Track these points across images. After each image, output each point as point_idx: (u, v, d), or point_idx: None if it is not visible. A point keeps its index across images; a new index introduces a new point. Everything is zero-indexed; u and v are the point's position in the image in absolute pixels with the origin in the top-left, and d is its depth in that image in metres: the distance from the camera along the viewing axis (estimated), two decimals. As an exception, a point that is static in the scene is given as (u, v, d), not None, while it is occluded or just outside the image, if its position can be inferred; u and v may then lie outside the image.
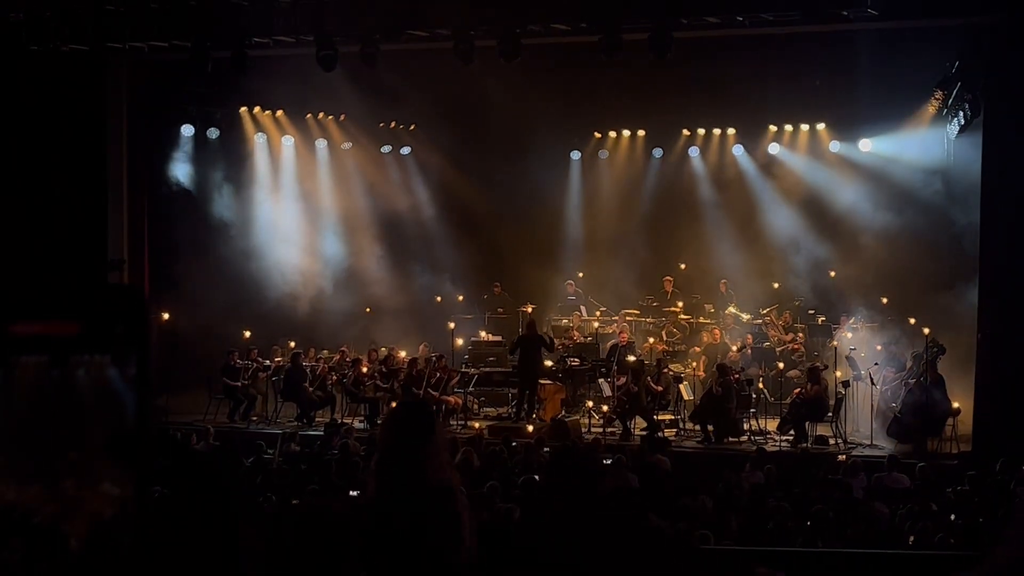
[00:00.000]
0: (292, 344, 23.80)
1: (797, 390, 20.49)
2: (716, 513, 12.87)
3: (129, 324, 2.06)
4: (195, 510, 2.36)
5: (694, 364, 22.84)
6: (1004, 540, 1.80)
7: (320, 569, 3.71)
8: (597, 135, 27.46)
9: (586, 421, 21.52)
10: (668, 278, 25.63)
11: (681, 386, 21.79)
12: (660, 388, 21.17)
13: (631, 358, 21.80)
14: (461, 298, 26.30)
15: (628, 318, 24.37)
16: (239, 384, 22.35)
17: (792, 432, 19.90)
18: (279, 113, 26.34)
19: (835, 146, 25.44)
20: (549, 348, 22.06)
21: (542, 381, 21.92)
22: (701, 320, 24.76)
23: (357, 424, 21.32)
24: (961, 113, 20.83)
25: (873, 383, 20.52)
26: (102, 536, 2.08)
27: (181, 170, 25.00)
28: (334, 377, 22.55)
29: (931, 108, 22.55)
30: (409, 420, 5.19)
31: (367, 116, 26.15)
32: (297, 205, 26.64)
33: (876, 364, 21.07)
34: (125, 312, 2.08)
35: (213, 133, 25.45)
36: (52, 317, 2.07)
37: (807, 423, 19.92)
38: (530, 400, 21.53)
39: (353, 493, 12.92)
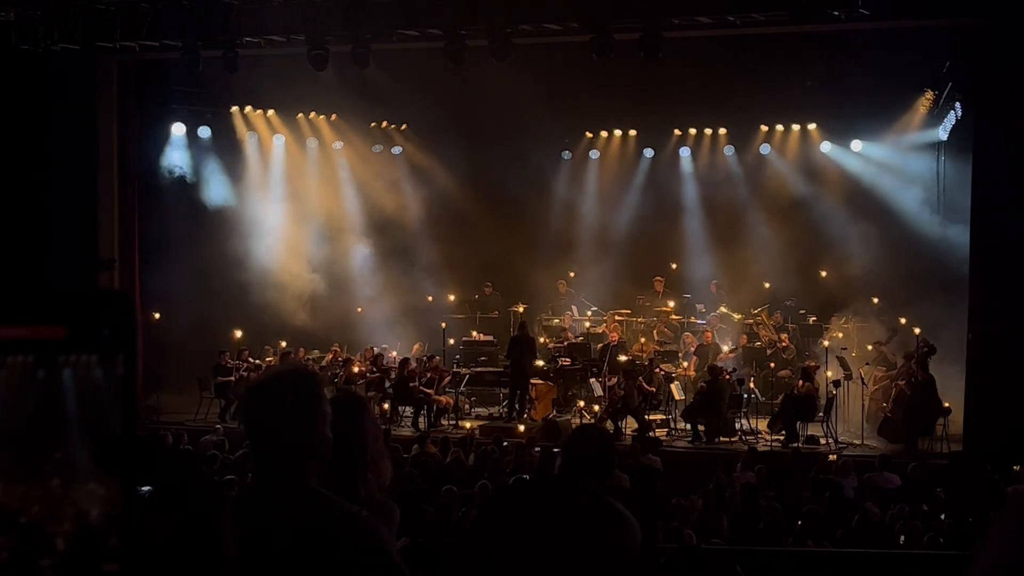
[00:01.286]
0: (283, 344, 23.77)
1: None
2: (707, 513, 12.87)
3: (116, 328, 2.05)
4: (181, 509, 2.35)
5: (685, 364, 22.83)
6: (990, 542, 1.80)
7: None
8: (588, 135, 27.45)
9: (577, 421, 21.49)
10: (659, 278, 25.61)
11: (672, 386, 21.76)
12: (652, 388, 21.16)
13: (622, 358, 21.81)
14: (452, 298, 26.28)
15: (618, 318, 24.37)
16: (230, 383, 22.32)
17: (783, 432, 19.91)
18: (270, 112, 26.30)
19: (826, 146, 25.46)
20: (534, 354, 22.06)
21: (533, 381, 21.91)
22: (692, 320, 24.77)
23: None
24: (952, 113, 20.87)
25: (864, 383, 20.55)
26: (88, 535, 2.07)
27: (172, 170, 24.93)
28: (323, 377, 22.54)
29: (922, 108, 22.58)
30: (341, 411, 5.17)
31: (358, 116, 26.14)
32: (288, 205, 26.58)
33: (867, 364, 21.10)
34: (112, 317, 2.07)
35: (204, 132, 25.41)
36: (39, 321, 2.05)
37: (798, 423, 19.93)
38: (521, 400, 21.52)
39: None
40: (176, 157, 24.92)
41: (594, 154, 27.55)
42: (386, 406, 21.56)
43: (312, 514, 3.40)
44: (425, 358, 22.71)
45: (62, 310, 2.08)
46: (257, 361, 23.01)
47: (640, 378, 20.91)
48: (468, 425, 21.15)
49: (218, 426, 19.92)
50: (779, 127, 25.82)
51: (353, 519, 3.46)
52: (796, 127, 25.67)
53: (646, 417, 20.72)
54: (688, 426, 20.66)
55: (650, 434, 19.95)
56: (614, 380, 21.13)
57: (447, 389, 22.20)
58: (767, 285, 25.10)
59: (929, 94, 21.96)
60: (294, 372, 3.67)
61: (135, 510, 2.06)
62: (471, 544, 5.19)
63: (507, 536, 4.98)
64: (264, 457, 3.50)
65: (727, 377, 20.61)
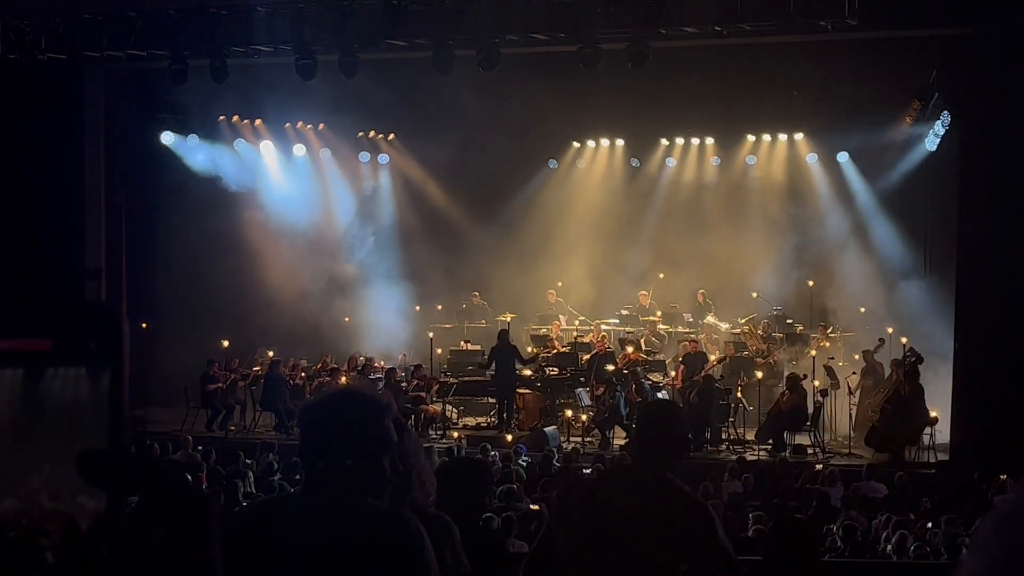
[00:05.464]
0: (271, 353, 23.71)
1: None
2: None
3: (103, 342, 2.04)
4: (171, 522, 2.35)
5: (672, 374, 22.81)
6: (972, 548, 1.81)
7: None
8: (575, 145, 27.45)
9: (564, 433, 21.47)
10: (643, 292, 25.47)
11: (660, 396, 21.73)
12: (639, 398, 21.12)
13: (610, 367, 21.78)
14: (440, 307, 26.26)
15: (605, 327, 24.34)
16: (217, 393, 22.24)
17: (771, 442, 19.93)
18: (258, 122, 26.25)
19: (812, 157, 25.50)
20: (522, 361, 22.02)
21: (520, 391, 21.88)
22: (680, 329, 24.77)
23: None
24: (939, 123, 20.93)
25: (851, 392, 20.57)
26: (78, 549, 2.06)
27: (160, 179, 24.87)
28: (312, 386, 22.46)
29: (909, 118, 22.62)
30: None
31: (346, 125, 26.10)
32: (276, 214, 26.54)
33: (854, 373, 21.12)
34: (99, 330, 2.06)
35: (192, 141, 25.36)
36: (23, 334, 2.04)
37: (786, 432, 19.95)
38: (508, 410, 21.50)
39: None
40: (161, 179, 24.77)
41: (580, 164, 27.55)
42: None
43: (359, 517, 3.47)
44: (412, 367, 22.68)
45: (47, 322, 2.07)
46: (245, 370, 22.98)
47: (634, 384, 20.86)
48: (455, 435, 21.13)
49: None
50: (766, 137, 25.84)
51: (398, 517, 3.53)
52: (783, 137, 25.70)
53: (634, 427, 20.68)
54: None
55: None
56: (601, 390, 21.11)
57: (434, 399, 22.19)
58: (755, 295, 25.11)
59: (916, 104, 22.01)
60: (363, 395, 3.73)
61: (122, 525, 2.05)
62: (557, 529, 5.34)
63: (587, 521, 5.11)
64: (316, 468, 3.58)
65: (716, 385, 20.64)
